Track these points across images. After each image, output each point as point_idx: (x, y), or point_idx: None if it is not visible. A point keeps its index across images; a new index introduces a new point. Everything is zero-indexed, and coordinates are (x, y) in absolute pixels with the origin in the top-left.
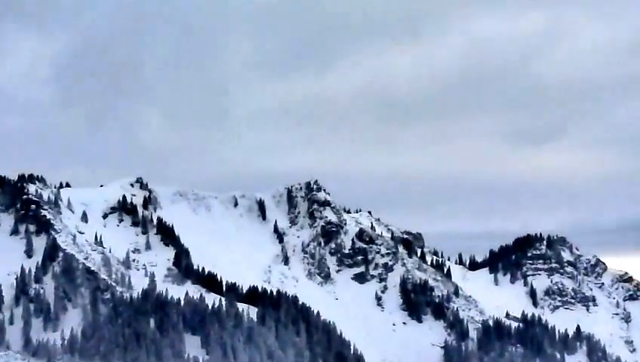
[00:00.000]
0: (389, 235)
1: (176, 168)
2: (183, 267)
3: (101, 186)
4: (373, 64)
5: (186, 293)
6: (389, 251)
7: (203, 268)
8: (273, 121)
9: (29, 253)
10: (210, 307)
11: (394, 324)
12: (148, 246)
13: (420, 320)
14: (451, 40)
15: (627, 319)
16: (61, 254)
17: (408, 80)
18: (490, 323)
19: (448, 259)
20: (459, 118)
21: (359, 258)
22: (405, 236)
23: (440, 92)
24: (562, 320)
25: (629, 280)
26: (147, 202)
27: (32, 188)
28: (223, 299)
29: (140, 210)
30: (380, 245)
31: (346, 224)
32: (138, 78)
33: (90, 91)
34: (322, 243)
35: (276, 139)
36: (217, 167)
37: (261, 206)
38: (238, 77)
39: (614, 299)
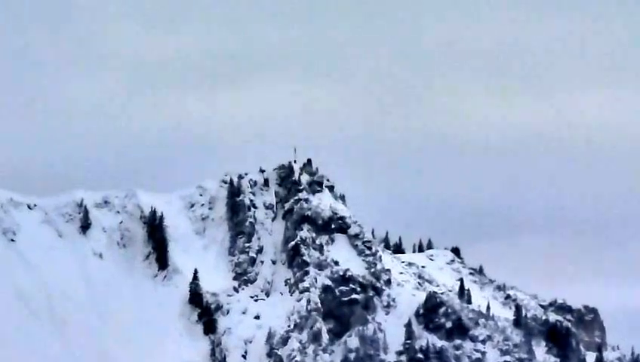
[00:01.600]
0: (511, 311)
1: None
2: None
3: None
4: None
5: None
6: (509, 353)
7: None
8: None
9: None
10: None
11: None
12: None
13: None
14: None
15: None
16: None
17: None
18: None
19: None
20: None
21: None
22: (556, 318)
23: None
24: None
25: None
26: None
27: None
28: None
29: None
30: (484, 341)
31: (390, 283)
32: None
33: None
34: (325, 338)
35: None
36: (35, 128)
37: (154, 226)
38: None
39: None
